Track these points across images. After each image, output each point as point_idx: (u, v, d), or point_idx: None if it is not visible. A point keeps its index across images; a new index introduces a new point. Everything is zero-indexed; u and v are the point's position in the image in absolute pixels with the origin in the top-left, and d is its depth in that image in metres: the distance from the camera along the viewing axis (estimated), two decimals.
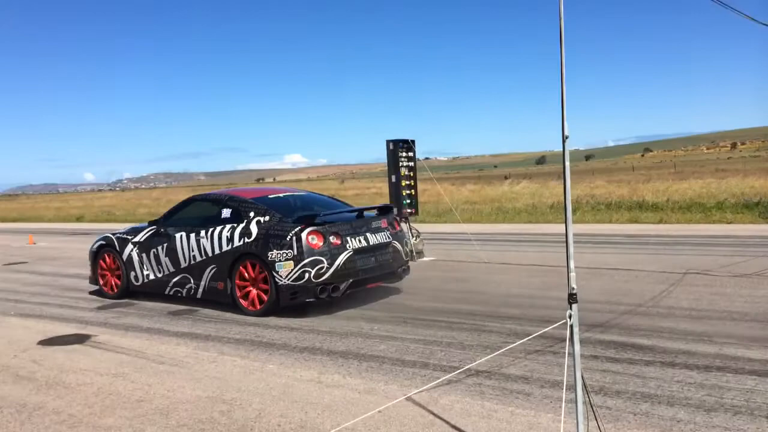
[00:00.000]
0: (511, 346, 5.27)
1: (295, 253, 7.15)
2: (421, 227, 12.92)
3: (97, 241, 9.48)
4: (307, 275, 7.13)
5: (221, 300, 7.89)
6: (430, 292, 8.44)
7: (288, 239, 7.23)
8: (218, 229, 7.94)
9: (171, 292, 8.50)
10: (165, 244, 8.50)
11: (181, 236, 8.32)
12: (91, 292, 9.51)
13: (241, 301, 7.61)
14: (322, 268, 7.17)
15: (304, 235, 7.21)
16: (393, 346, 5.89)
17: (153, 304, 8.53)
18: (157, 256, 8.60)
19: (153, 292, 8.71)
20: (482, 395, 4.45)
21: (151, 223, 8.98)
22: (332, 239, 7.34)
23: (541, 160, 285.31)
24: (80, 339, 6.76)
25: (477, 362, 5.10)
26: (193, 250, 8.18)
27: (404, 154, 11.37)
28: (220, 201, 8.41)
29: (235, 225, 7.81)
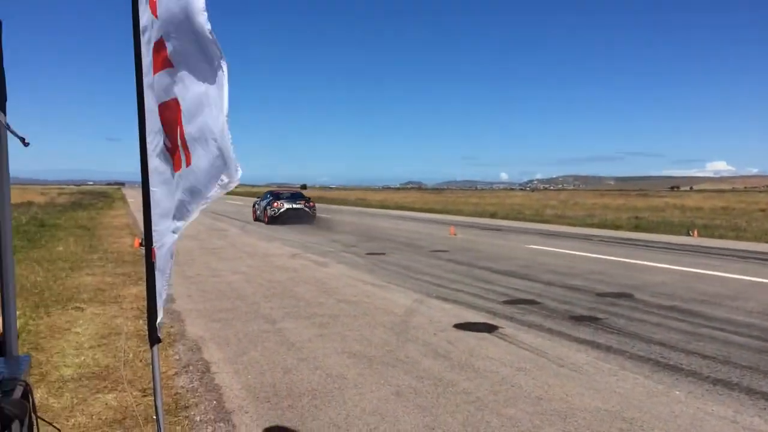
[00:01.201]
0: None
1: (271, 207, 26.62)
2: None
3: (254, 203, 31.01)
4: (272, 213, 26.44)
5: (259, 220, 27.98)
6: None
7: (273, 203, 26.80)
8: (266, 200, 27.82)
9: (259, 219, 27.89)
10: (260, 204, 28.39)
11: (260, 202, 28.67)
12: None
13: (264, 219, 27.01)
14: (275, 212, 26.39)
15: (274, 201, 26.86)
16: None
17: (556, 304, 8.73)
18: (259, 207, 28.26)
19: (258, 219, 28.01)
20: None
21: (259, 197, 30.57)
22: (281, 203, 26.64)
23: None
24: (489, 328, 7.31)
25: None
26: (261, 205, 27.98)
27: None
28: (269, 193, 29.04)
29: (268, 199, 27.59)
